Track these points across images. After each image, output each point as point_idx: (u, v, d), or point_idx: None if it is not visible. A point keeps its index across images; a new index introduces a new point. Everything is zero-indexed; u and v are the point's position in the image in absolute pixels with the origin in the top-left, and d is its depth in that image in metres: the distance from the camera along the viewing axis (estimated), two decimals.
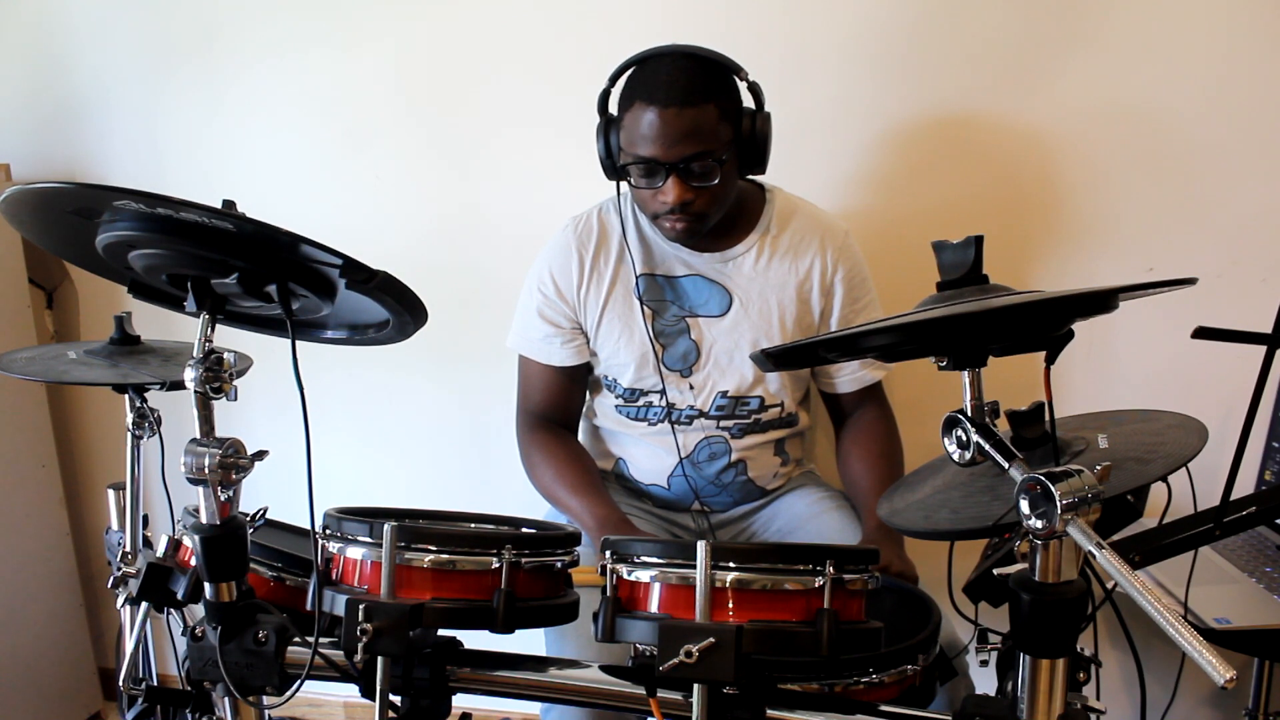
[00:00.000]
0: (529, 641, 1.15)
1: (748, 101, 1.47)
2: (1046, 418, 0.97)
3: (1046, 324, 0.90)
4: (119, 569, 1.32)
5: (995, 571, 0.94)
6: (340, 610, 0.97)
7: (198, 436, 1.00)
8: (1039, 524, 0.80)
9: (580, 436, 1.76)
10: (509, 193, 1.96)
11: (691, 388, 1.61)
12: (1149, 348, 1.79)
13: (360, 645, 0.94)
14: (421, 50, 1.93)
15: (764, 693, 0.98)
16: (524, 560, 1.02)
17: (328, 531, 1.06)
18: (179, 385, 1.11)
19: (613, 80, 1.47)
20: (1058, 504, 0.78)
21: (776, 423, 1.65)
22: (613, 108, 1.48)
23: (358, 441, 2.16)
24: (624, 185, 1.52)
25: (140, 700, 1.26)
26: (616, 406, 1.66)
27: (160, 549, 1.21)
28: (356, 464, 2.14)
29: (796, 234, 1.59)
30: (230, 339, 1.18)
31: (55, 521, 2.25)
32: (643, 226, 1.60)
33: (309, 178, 2.06)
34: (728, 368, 1.60)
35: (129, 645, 1.40)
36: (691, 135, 1.38)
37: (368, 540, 1.01)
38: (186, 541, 1.19)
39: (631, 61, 1.44)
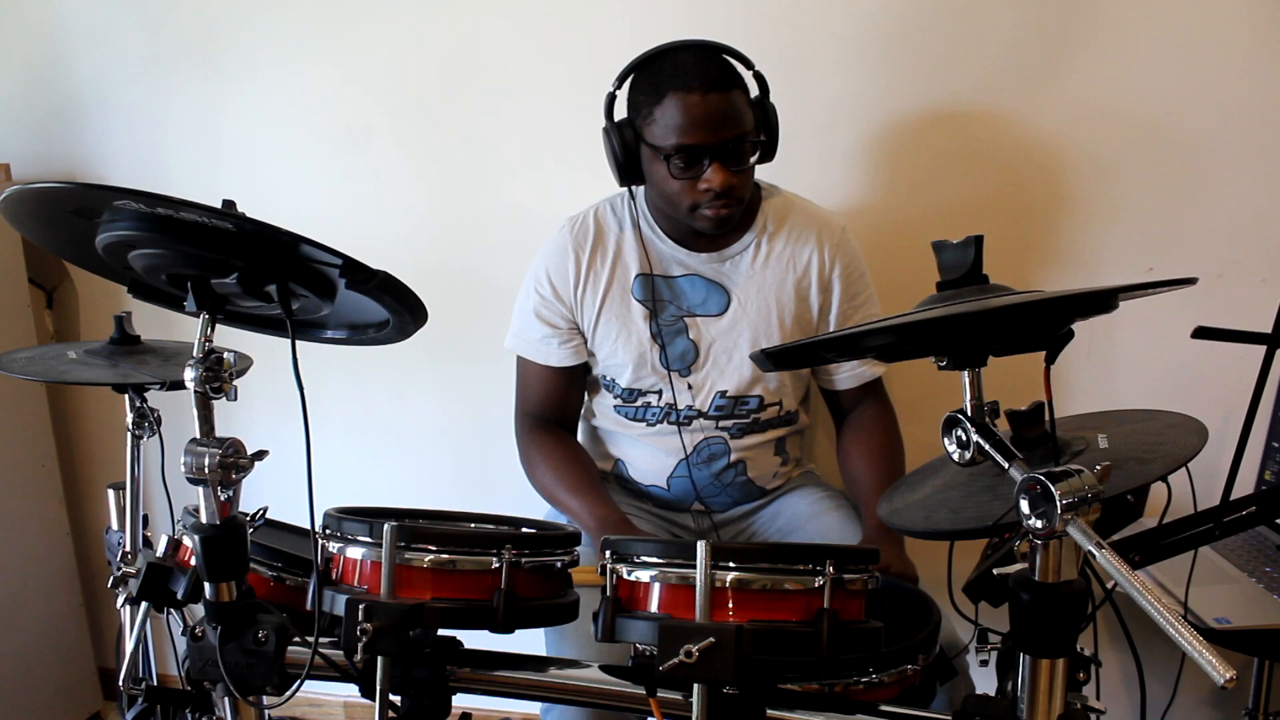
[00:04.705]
0: (529, 641, 1.15)
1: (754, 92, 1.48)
2: (1046, 418, 0.97)
3: (1046, 324, 0.90)
4: (119, 569, 1.33)
5: (995, 571, 0.94)
6: (340, 610, 0.97)
7: (198, 436, 1.00)
8: (1039, 524, 0.80)
9: (579, 437, 1.76)
10: (508, 193, 1.96)
11: (690, 388, 1.61)
12: (1149, 348, 1.78)
13: (360, 645, 0.94)
14: (422, 50, 1.93)
15: (764, 693, 0.98)
16: (524, 560, 1.02)
17: (328, 531, 1.06)
18: (179, 385, 1.11)
19: (620, 82, 1.47)
20: (1058, 504, 0.78)
21: (776, 422, 1.65)
22: (623, 109, 1.48)
23: (358, 441, 2.15)
24: (623, 186, 1.52)
25: (140, 700, 1.26)
26: (615, 407, 1.66)
27: (160, 549, 1.21)
28: (356, 464, 2.14)
29: (793, 231, 1.59)
30: (230, 339, 1.18)
31: (55, 521, 2.24)
32: (641, 227, 1.59)
33: (309, 177, 2.06)
34: (726, 367, 1.59)
35: (129, 645, 1.40)
36: (732, 118, 1.40)
37: (368, 540, 1.02)
38: (186, 541, 1.19)
39: (642, 60, 1.44)
